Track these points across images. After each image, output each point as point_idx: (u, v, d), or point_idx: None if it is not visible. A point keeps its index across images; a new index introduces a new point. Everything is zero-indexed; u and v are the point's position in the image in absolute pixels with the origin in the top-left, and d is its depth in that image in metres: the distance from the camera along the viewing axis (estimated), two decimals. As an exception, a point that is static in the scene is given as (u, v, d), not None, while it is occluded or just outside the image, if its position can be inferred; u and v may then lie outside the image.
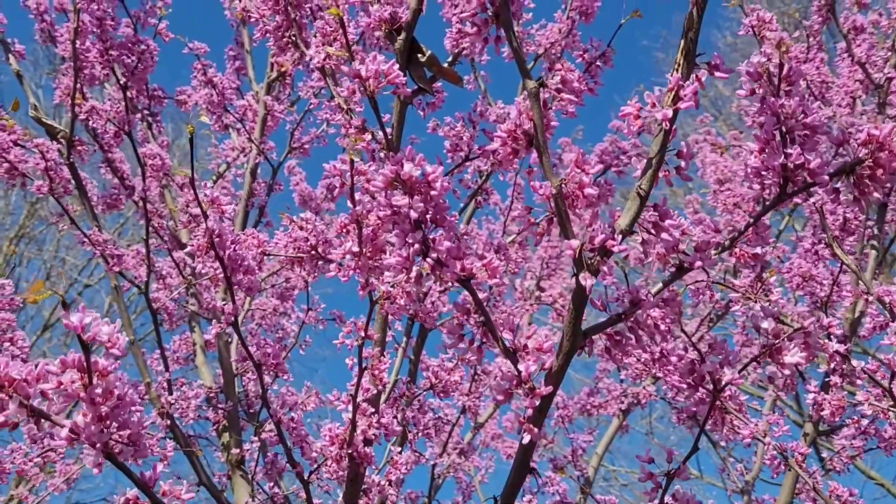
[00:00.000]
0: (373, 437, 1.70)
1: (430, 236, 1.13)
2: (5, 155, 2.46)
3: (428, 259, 1.12)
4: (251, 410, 3.16)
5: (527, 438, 1.14)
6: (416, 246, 1.10)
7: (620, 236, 1.09)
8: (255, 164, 3.32)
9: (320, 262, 2.01)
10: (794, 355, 1.12)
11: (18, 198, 11.62)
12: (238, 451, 2.91)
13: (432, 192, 1.10)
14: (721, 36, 10.88)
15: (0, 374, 1.04)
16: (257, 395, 3.25)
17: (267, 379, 1.63)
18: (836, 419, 1.79)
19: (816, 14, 2.79)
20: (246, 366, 3.19)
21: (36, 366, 1.06)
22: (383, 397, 1.83)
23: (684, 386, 1.17)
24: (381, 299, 1.51)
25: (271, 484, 2.71)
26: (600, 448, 4.12)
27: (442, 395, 2.17)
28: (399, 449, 1.94)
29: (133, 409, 1.08)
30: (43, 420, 1.07)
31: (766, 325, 1.13)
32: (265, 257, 2.22)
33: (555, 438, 5.25)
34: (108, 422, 1.06)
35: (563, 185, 1.09)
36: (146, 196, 2.55)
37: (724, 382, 1.14)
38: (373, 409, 1.65)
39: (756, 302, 1.58)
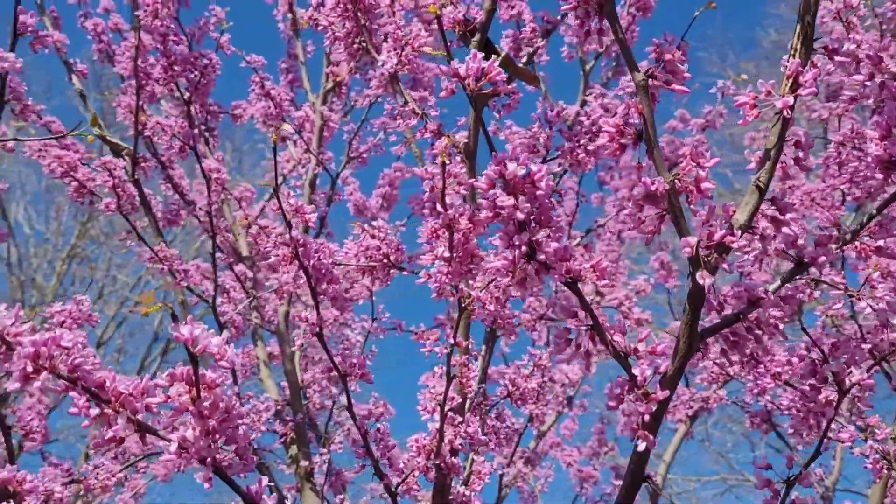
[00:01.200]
0: (459, 446, 1.66)
1: (535, 238, 1.09)
2: (74, 174, 2.49)
3: (534, 262, 1.09)
4: (315, 423, 3.15)
5: (642, 446, 1.10)
6: (523, 248, 1.07)
7: (739, 232, 1.04)
8: (313, 175, 3.32)
9: (392, 271, 1.98)
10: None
11: (69, 217, 11.85)
12: (307, 463, 2.89)
13: (538, 192, 1.06)
14: (764, 34, 10.70)
15: (108, 389, 1.03)
16: (322, 406, 3.24)
17: (353, 387, 1.60)
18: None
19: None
20: (312, 378, 3.18)
21: (142, 379, 1.05)
22: (467, 405, 1.80)
23: (807, 388, 1.11)
24: (471, 305, 1.48)
25: (340, 497, 2.69)
26: (668, 455, 4.03)
27: (519, 402, 2.13)
28: (482, 458, 1.91)
29: (240, 422, 1.06)
30: (148, 435, 1.06)
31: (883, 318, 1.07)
32: (334, 267, 2.20)
33: (615, 446, 5.17)
34: (216, 436, 1.04)
35: (676, 181, 1.04)
36: (211, 210, 2.55)
37: (850, 383, 1.09)
38: (460, 419, 1.61)
39: (860, 299, 1.51)
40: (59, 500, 1.81)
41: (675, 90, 1.04)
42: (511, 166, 1.06)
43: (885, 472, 1.80)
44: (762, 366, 1.87)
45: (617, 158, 1.11)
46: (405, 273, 2.00)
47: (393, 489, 1.63)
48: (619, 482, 4.12)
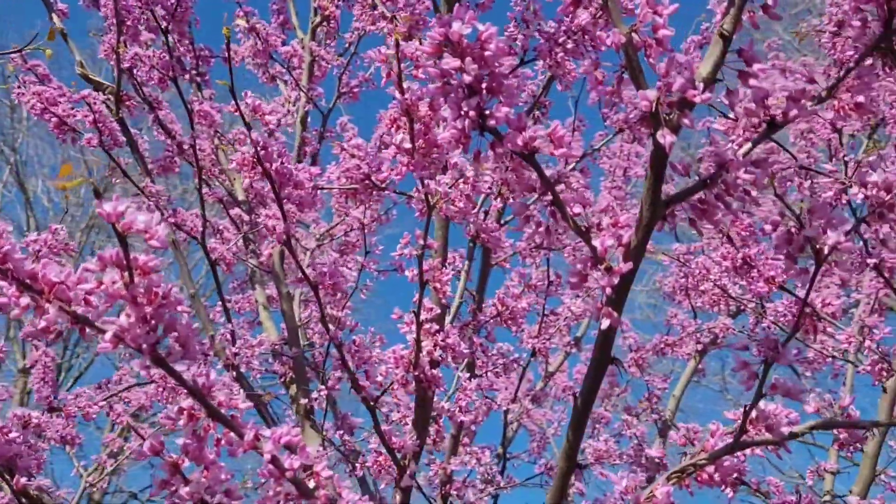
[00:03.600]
0: (439, 358, 1.61)
1: (489, 108, 1.02)
2: (53, 109, 2.44)
3: (485, 130, 1.02)
4: (316, 362, 3.12)
5: (605, 323, 1.03)
6: (472, 114, 1.00)
7: (702, 85, 0.96)
8: (304, 113, 3.25)
9: (375, 193, 1.92)
10: (911, 208, 0.98)
11: (88, 191, 11.89)
12: (306, 400, 2.86)
13: (486, 54, 0.99)
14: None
15: (39, 279, 0.98)
16: (322, 344, 3.20)
17: (325, 299, 1.55)
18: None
19: None
20: (310, 316, 3.14)
21: (76, 269, 1.00)
22: (448, 318, 1.74)
23: (781, 258, 1.04)
24: (439, 201, 1.41)
25: (341, 432, 2.67)
26: (677, 390, 3.98)
27: (510, 322, 2.07)
28: (468, 374, 1.86)
29: (179, 309, 1.01)
30: (87, 328, 1.01)
31: (876, 177, 0.99)
32: (319, 191, 2.14)
33: (628, 387, 5.12)
34: (153, 322, 0.99)
35: (633, 33, 0.96)
36: (195, 143, 2.50)
37: (828, 248, 1.01)
38: (437, 327, 1.55)
39: (850, 185, 1.43)
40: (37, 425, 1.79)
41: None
42: (456, 26, 0.99)
43: (885, 375, 1.73)
44: (755, 270, 1.80)
45: (571, 13, 1.03)
46: (388, 193, 1.93)
47: (371, 402, 1.58)
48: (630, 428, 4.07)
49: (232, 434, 1.09)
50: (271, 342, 2.97)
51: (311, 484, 1.13)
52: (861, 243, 2.48)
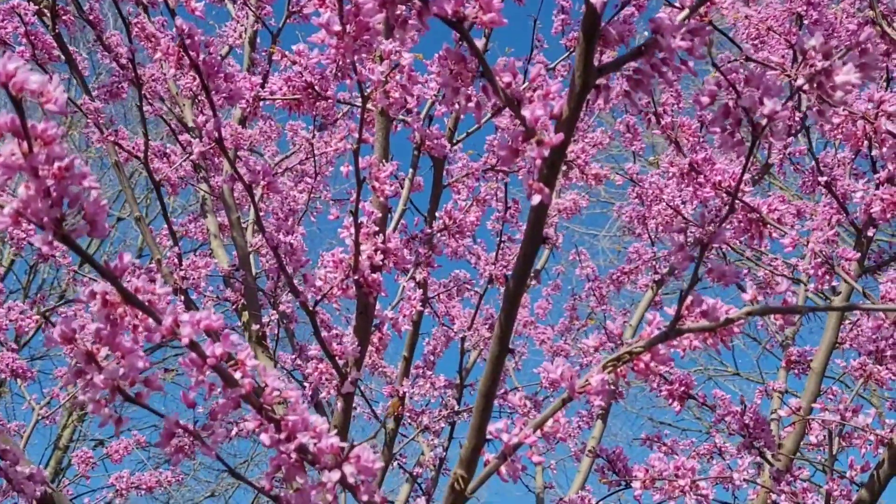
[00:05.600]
0: (380, 263, 1.57)
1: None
2: (-19, 21, 2.31)
3: (410, -6, 0.96)
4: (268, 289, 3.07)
5: (536, 199, 0.99)
6: (395, -24, 0.94)
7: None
8: (252, 33, 3.14)
9: (320, 103, 1.85)
10: (847, 73, 0.94)
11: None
12: (258, 326, 2.83)
13: None
14: None
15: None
16: (273, 271, 3.15)
17: (259, 198, 1.49)
18: (889, 217, 1.62)
19: None
20: (261, 242, 3.08)
21: (-29, 140, 0.93)
22: (391, 226, 1.70)
23: (717, 132, 1.00)
24: (373, 92, 1.35)
25: (294, 356, 2.64)
26: (634, 320, 4.00)
27: (458, 236, 2.03)
28: (413, 284, 1.82)
29: (86, 184, 0.95)
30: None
31: (815, 42, 0.96)
32: (261, 103, 2.07)
33: (587, 322, 5.15)
34: (56, 196, 0.93)
35: None
36: (134, 56, 2.39)
37: (765, 119, 0.98)
38: (377, 229, 1.51)
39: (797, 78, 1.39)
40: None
41: None
42: None
43: (827, 278, 1.72)
44: (702, 175, 1.78)
45: None
46: (331, 102, 1.87)
47: (310, 307, 1.55)
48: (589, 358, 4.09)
49: (150, 320, 1.05)
50: (222, 268, 2.92)
51: (237, 375, 1.09)
52: (812, 162, 2.48)
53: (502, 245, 3.21)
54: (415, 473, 3.60)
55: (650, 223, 3.43)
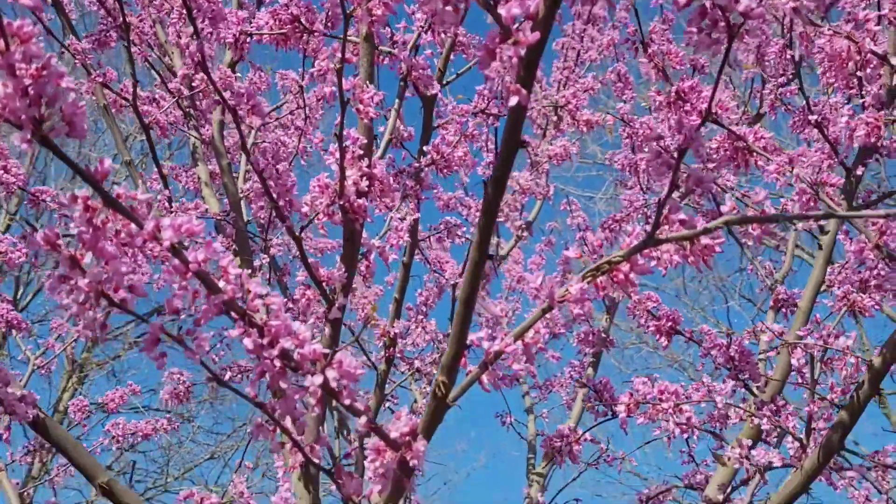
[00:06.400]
0: (365, 189, 1.57)
1: None
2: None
3: None
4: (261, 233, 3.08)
5: (514, 100, 1.00)
6: None
7: None
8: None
9: (306, 36, 1.85)
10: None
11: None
12: (250, 271, 2.83)
13: None
14: None
15: None
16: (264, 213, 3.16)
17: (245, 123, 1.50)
18: (874, 141, 1.63)
19: None
20: (251, 188, 3.09)
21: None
22: (378, 154, 1.70)
23: (693, 32, 1.00)
24: (356, 10, 1.35)
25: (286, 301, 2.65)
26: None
27: (445, 171, 2.04)
28: (400, 215, 1.83)
29: (63, 84, 0.95)
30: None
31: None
32: (249, 43, 2.06)
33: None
34: (34, 95, 0.93)
35: None
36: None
37: (741, 18, 0.98)
38: (361, 153, 1.51)
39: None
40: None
41: None
42: None
43: (811, 204, 1.74)
44: (688, 104, 1.78)
45: None
46: (318, 35, 1.86)
47: (296, 233, 1.56)
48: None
49: (132, 226, 1.05)
50: (213, 213, 2.92)
51: (221, 284, 1.10)
52: (804, 101, 2.48)
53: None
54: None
55: (641, 170, 3.44)
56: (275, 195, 1.53)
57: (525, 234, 4.42)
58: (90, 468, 1.66)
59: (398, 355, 2.91)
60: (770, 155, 1.73)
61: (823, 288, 2.52)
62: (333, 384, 1.10)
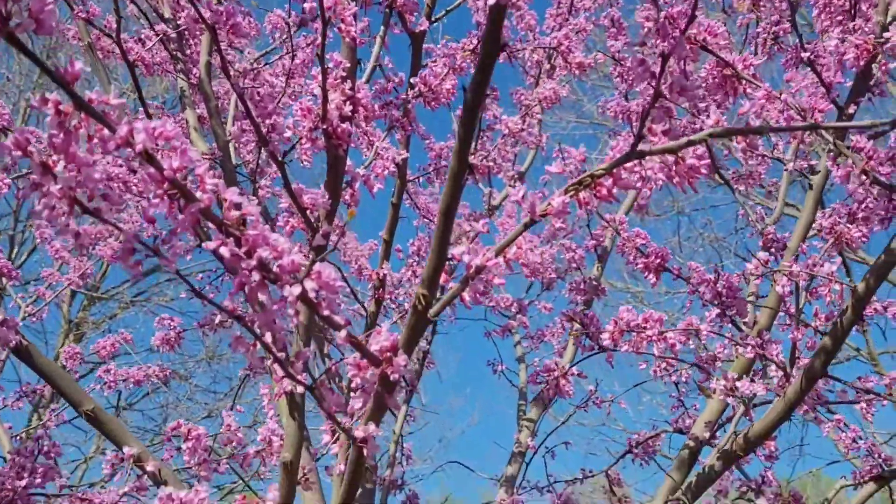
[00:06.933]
0: (349, 113, 1.55)
1: None
2: None
3: None
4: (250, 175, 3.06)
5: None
6: None
7: None
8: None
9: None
10: None
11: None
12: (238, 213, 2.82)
13: None
14: None
15: None
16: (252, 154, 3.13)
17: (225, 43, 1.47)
18: (863, 64, 1.60)
19: None
20: (239, 129, 3.06)
21: None
22: (363, 79, 1.68)
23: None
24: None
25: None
26: (620, 214, 4.00)
27: (433, 104, 2.01)
28: (385, 143, 1.81)
29: (30, -21, 0.93)
30: None
31: None
32: None
33: (576, 229, 5.16)
34: None
35: None
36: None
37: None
38: (344, 75, 1.49)
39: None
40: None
41: None
42: None
43: (807, 142, 1.72)
44: (676, 29, 1.75)
45: None
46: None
47: (279, 157, 1.54)
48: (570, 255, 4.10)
49: (105, 131, 1.04)
50: (201, 152, 2.89)
51: (198, 193, 1.09)
52: (797, 39, 2.45)
53: (482, 134, 3.19)
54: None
55: (635, 118, 3.41)
56: (256, 118, 1.51)
57: (518, 182, 4.40)
58: (76, 396, 1.66)
59: (389, 300, 2.91)
60: (758, 82, 1.70)
61: (814, 232, 2.51)
62: (312, 294, 1.09)
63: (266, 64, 3.30)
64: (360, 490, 3.48)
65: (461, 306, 4.40)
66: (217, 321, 2.92)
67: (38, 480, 1.82)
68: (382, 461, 3.66)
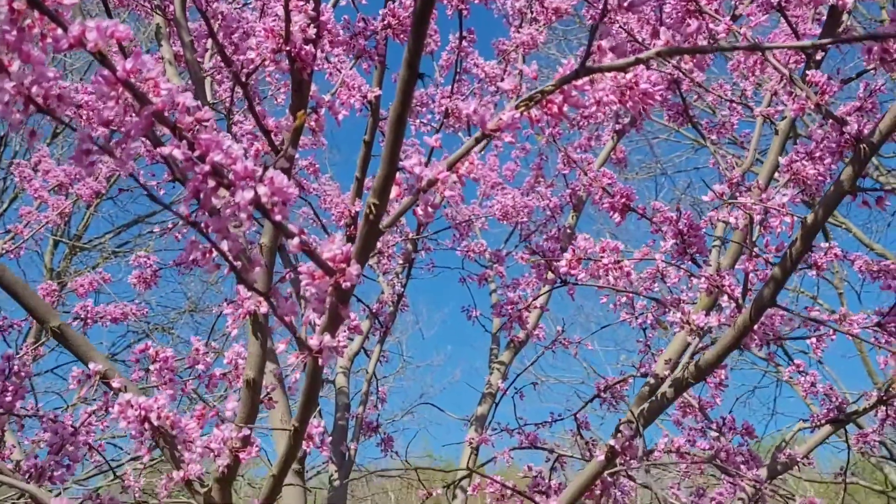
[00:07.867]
0: (313, 35, 1.56)
1: None
2: None
3: None
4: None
5: None
6: None
7: None
8: None
9: None
10: None
11: None
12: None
13: None
14: None
15: None
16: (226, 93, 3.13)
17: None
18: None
19: None
20: (215, 65, 3.05)
21: None
22: (329, 3, 1.68)
23: None
24: None
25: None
26: (596, 165, 4.03)
27: (402, 37, 2.02)
28: (352, 71, 1.82)
29: None
30: None
31: None
32: None
33: (554, 182, 5.19)
34: None
35: None
36: None
37: None
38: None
39: None
40: None
41: None
42: None
43: (759, 66, 1.74)
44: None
45: None
46: None
47: (242, 78, 1.55)
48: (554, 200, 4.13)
49: (58, 30, 1.05)
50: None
51: (152, 97, 1.10)
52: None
53: (458, 78, 3.20)
54: (374, 310, 3.70)
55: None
56: (219, 38, 1.52)
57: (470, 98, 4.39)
58: (42, 311, 1.69)
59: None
60: (719, 17, 1.72)
61: (778, 176, 2.55)
62: (264, 199, 1.12)
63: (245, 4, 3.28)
64: (334, 427, 3.55)
65: (439, 255, 4.44)
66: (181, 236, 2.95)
67: (9, 399, 1.85)
68: (355, 400, 3.72)
